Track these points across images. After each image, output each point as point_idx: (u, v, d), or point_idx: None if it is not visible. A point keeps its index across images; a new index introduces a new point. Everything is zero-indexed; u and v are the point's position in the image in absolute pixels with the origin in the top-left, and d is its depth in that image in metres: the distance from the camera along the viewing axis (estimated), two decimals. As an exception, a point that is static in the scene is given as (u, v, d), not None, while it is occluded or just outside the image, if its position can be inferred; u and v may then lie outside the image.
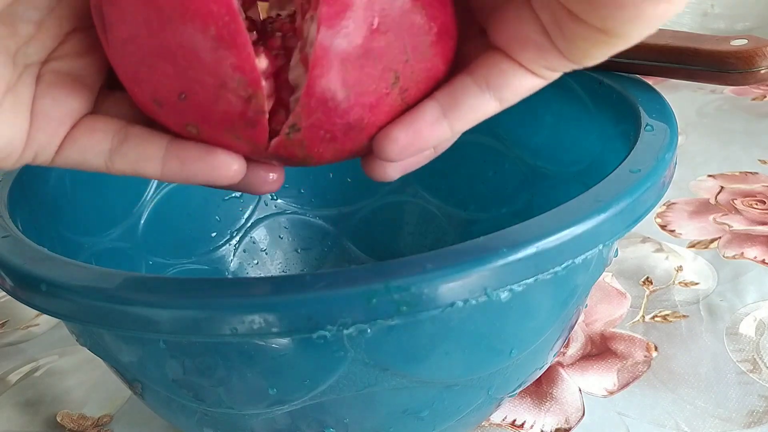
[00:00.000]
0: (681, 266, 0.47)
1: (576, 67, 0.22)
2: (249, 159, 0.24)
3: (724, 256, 0.47)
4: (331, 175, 0.49)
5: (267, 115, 0.22)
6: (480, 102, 0.23)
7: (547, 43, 0.22)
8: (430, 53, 0.23)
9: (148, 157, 0.24)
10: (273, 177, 0.25)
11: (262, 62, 0.22)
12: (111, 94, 0.26)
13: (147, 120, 0.25)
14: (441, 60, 0.24)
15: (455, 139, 0.25)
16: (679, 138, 0.31)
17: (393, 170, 0.25)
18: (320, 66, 0.21)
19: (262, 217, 0.48)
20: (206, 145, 0.23)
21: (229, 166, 0.23)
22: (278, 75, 0.23)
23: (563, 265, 0.24)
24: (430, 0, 0.22)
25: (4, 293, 0.27)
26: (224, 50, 0.21)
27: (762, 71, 0.34)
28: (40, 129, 0.24)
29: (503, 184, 0.44)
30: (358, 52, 0.21)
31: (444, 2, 0.23)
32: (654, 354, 0.40)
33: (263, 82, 0.21)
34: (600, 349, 0.40)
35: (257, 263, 0.48)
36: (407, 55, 0.22)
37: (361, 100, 0.22)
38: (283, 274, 0.48)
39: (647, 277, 0.46)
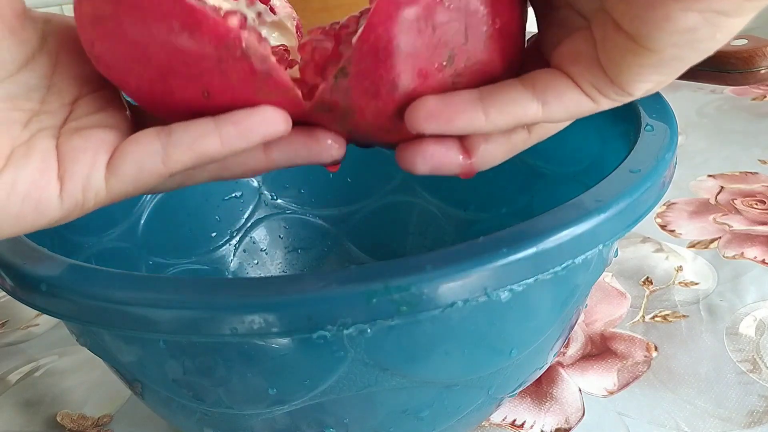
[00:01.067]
0: (681, 266, 0.47)
1: (618, 91, 0.22)
2: (303, 122, 0.24)
3: (724, 256, 0.47)
4: (331, 175, 0.49)
5: (272, 57, 0.22)
6: (520, 97, 0.23)
7: (594, 55, 0.22)
8: (488, 46, 0.23)
9: (203, 134, 0.23)
10: (330, 141, 0.25)
11: (233, 20, 0.22)
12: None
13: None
14: (498, 58, 0.24)
15: (491, 129, 0.24)
16: (679, 138, 0.31)
17: (422, 163, 0.24)
18: (380, 14, 0.21)
19: (262, 217, 0.48)
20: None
21: (275, 115, 0.23)
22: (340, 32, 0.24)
23: (563, 265, 0.24)
24: None
25: (4, 293, 0.27)
26: (195, 33, 0.22)
27: (762, 71, 0.34)
28: (75, 161, 0.23)
29: (503, 184, 0.44)
30: (418, 14, 0.22)
31: (512, 4, 0.24)
32: (654, 354, 0.40)
33: (244, 34, 0.22)
34: (600, 349, 0.40)
35: (257, 263, 0.48)
36: (466, 38, 0.23)
37: (412, 63, 0.22)
38: (283, 274, 0.48)
39: (647, 277, 0.46)
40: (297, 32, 0.29)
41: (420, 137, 0.24)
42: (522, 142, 0.26)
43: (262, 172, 0.26)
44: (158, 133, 0.24)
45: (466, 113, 0.23)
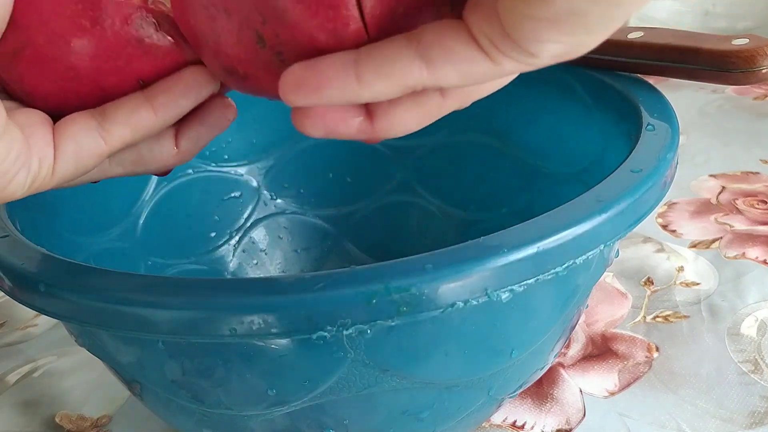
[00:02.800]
0: (682, 266, 0.47)
1: (517, 49, 0.19)
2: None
3: (725, 257, 0.47)
4: (330, 175, 0.49)
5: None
6: (401, 56, 0.20)
7: (494, 2, 0.19)
8: (296, 20, 0.21)
9: (135, 108, 0.24)
10: (222, 104, 0.26)
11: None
12: None
13: None
14: (318, 30, 0.21)
15: (372, 97, 0.21)
16: (681, 138, 0.30)
17: (312, 126, 0.22)
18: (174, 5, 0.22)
19: (261, 217, 0.48)
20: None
21: (199, 75, 0.24)
22: None
23: (564, 266, 0.24)
24: None
25: (2, 293, 0.27)
26: (106, 21, 0.22)
27: (763, 70, 0.34)
28: (32, 135, 0.23)
29: (503, 184, 0.44)
30: (206, 2, 0.21)
31: None
32: (655, 354, 0.39)
33: (150, 6, 0.23)
34: (601, 350, 0.40)
35: (257, 263, 0.48)
36: (264, 18, 0.21)
37: (223, 49, 0.22)
38: (282, 274, 0.48)
39: (648, 278, 0.46)
40: None
41: None
42: (436, 107, 0.22)
43: (175, 164, 0.27)
44: (91, 113, 0.24)
45: (336, 80, 0.20)
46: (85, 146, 0.24)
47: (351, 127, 0.22)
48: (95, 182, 0.27)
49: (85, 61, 0.23)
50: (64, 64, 0.23)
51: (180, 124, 0.27)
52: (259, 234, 0.48)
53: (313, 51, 0.21)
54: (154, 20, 0.23)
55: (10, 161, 0.22)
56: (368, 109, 0.22)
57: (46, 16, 0.22)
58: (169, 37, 0.23)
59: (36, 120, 0.24)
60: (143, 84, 0.24)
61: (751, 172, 0.57)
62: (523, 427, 0.36)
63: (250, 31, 0.21)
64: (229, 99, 0.27)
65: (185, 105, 0.25)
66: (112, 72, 0.24)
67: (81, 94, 0.24)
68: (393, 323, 0.22)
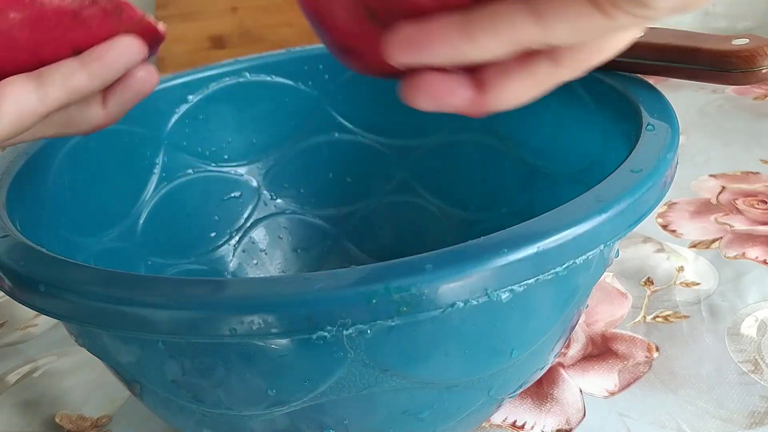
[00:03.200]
0: (682, 266, 0.46)
1: (635, 1, 0.18)
2: None
3: (725, 257, 0.47)
4: (330, 175, 0.49)
5: None
6: (511, 13, 0.19)
7: None
8: None
9: (71, 72, 0.27)
10: (143, 71, 0.29)
11: None
12: None
13: None
14: None
15: (480, 55, 0.20)
16: (681, 138, 0.30)
17: (423, 98, 0.21)
18: None
19: (261, 217, 0.48)
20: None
21: (131, 43, 0.27)
22: None
23: (564, 266, 0.24)
24: None
25: (2, 293, 0.27)
26: None
27: (763, 70, 0.34)
28: None
29: (503, 184, 0.44)
30: None
31: None
32: (655, 354, 0.39)
33: None
34: (601, 350, 0.40)
35: (257, 263, 0.48)
36: None
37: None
38: (282, 274, 0.48)
39: (648, 278, 0.46)
40: None
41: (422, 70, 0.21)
42: (548, 76, 0.21)
43: (102, 126, 0.30)
44: (28, 76, 0.26)
45: (444, 36, 0.20)
46: (24, 106, 0.26)
47: (460, 98, 0.21)
48: (26, 142, 0.30)
49: (24, 32, 0.25)
50: (5, 35, 0.25)
51: (108, 89, 0.29)
52: (259, 234, 0.48)
53: (421, 17, 0.20)
54: None
55: None
56: (478, 81, 0.21)
57: None
58: (103, 9, 0.26)
59: None
60: (77, 51, 0.26)
61: (751, 172, 0.57)
62: (523, 427, 0.36)
63: (361, 5, 0.21)
64: (153, 67, 0.30)
65: (116, 70, 0.27)
66: (50, 42, 0.26)
67: (19, 62, 0.26)
68: (393, 323, 0.22)
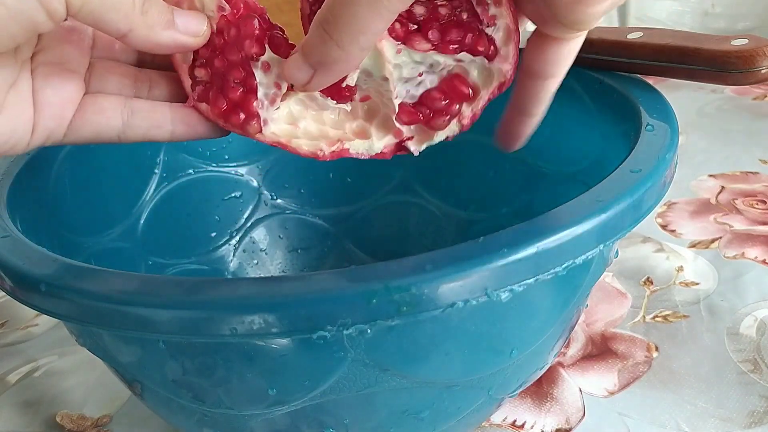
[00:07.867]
0: (682, 266, 0.47)
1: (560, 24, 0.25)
2: None
3: (724, 256, 0.47)
4: (331, 175, 0.49)
5: None
6: None
7: None
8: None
9: (158, 125, 0.28)
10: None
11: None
12: (95, 71, 0.28)
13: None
14: None
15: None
16: (680, 138, 0.30)
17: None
18: None
19: (261, 217, 0.48)
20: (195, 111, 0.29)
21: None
22: None
23: (564, 266, 0.24)
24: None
25: (3, 293, 0.27)
26: None
27: (763, 71, 0.34)
28: (47, 116, 0.26)
29: (503, 184, 0.44)
30: None
31: None
32: (654, 354, 0.39)
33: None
34: (600, 350, 0.40)
35: (257, 263, 0.48)
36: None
37: None
38: (283, 274, 0.48)
39: (648, 277, 0.46)
40: None
41: None
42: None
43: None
44: (122, 109, 0.28)
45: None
46: (101, 137, 0.28)
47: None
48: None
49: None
50: None
51: None
52: (259, 234, 0.48)
53: None
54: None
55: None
56: None
57: None
58: None
59: (59, 101, 0.27)
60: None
61: (751, 172, 0.57)
62: (522, 426, 0.36)
63: None
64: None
65: (200, 137, 0.30)
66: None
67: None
68: (393, 323, 0.22)
